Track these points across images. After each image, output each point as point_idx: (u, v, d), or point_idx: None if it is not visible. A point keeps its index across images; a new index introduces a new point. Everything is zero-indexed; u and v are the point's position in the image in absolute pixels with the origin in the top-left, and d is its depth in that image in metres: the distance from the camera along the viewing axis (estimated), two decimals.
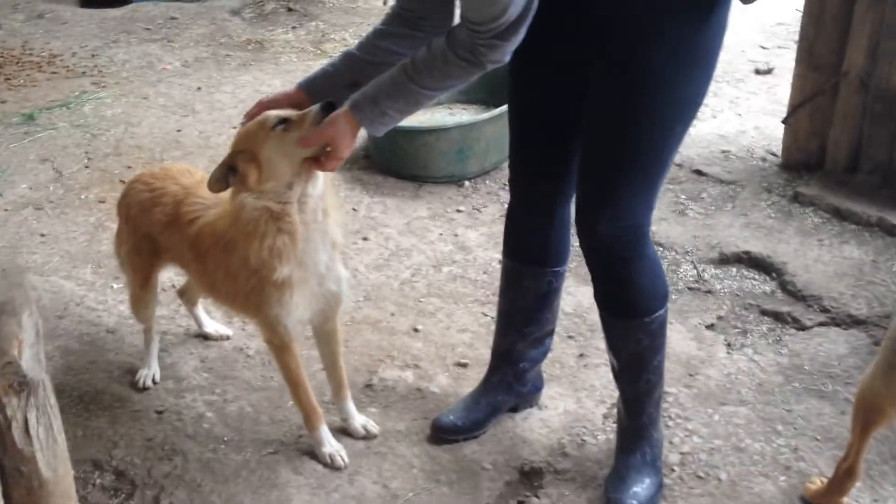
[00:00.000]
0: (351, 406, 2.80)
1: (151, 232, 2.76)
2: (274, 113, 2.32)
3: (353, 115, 2.20)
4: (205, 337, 3.26)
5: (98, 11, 6.96)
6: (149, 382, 3.01)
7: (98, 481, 2.64)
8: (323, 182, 2.39)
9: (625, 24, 2.15)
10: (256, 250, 2.36)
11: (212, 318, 3.30)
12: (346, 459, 2.67)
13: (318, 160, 2.29)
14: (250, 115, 2.38)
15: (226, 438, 2.79)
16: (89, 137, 4.89)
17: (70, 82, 5.68)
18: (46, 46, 6.25)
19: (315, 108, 2.26)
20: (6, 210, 4.17)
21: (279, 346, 2.57)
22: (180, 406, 2.94)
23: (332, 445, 2.68)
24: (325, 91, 2.34)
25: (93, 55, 6.12)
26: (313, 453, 2.70)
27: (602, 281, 2.45)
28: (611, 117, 2.23)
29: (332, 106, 2.24)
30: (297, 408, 2.71)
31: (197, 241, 2.58)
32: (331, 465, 2.66)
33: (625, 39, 2.16)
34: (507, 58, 2.10)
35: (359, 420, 2.80)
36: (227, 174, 2.34)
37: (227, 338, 3.25)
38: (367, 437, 2.78)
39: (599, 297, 2.48)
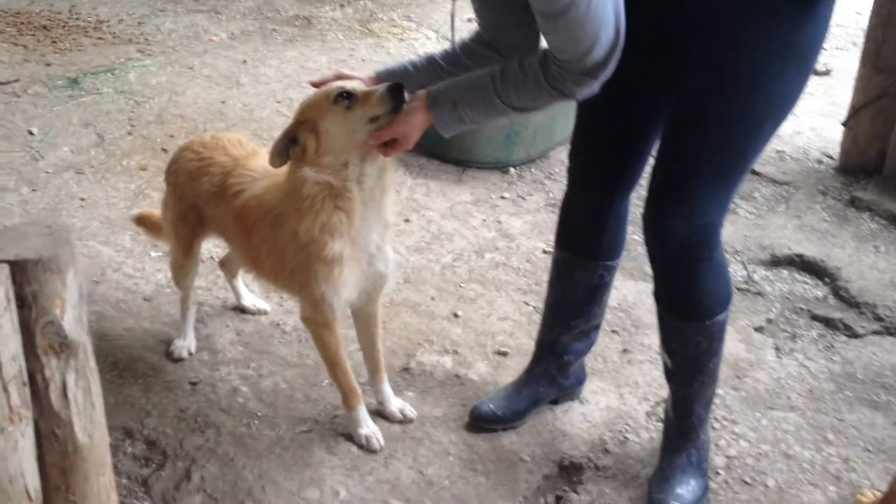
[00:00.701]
0: (388, 389, 2.74)
1: (197, 202, 2.71)
2: (338, 84, 2.26)
3: (430, 111, 2.16)
4: (242, 310, 3.21)
5: None
6: (184, 354, 2.96)
7: (129, 450, 2.60)
8: (382, 160, 2.33)
9: (719, 21, 2.04)
10: (308, 225, 2.30)
11: (250, 292, 3.25)
12: (382, 442, 2.61)
13: (381, 144, 2.24)
14: (324, 80, 2.34)
15: (260, 414, 2.74)
16: (133, 104, 4.86)
17: (116, 49, 5.65)
18: (93, 12, 6.23)
19: (381, 88, 2.20)
20: (47, 172, 4.14)
21: (321, 325, 2.50)
22: (214, 379, 2.89)
23: (369, 427, 2.62)
24: None
25: (139, 23, 6.09)
26: (348, 434, 2.64)
27: (666, 281, 2.36)
28: (697, 113, 2.14)
29: (400, 88, 2.19)
30: (334, 387, 2.65)
31: (242, 213, 2.52)
32: (366, 448, 2.60)
33: (718, 36, 2.06)
34: (598, 88, 2.03)
35: (395, 403, 2.73)
36: (288, 146, 2.29)
37: (265, 312, 3.20)
38: (404, 421, 2.72)
39: (661, 296, 2.39)
